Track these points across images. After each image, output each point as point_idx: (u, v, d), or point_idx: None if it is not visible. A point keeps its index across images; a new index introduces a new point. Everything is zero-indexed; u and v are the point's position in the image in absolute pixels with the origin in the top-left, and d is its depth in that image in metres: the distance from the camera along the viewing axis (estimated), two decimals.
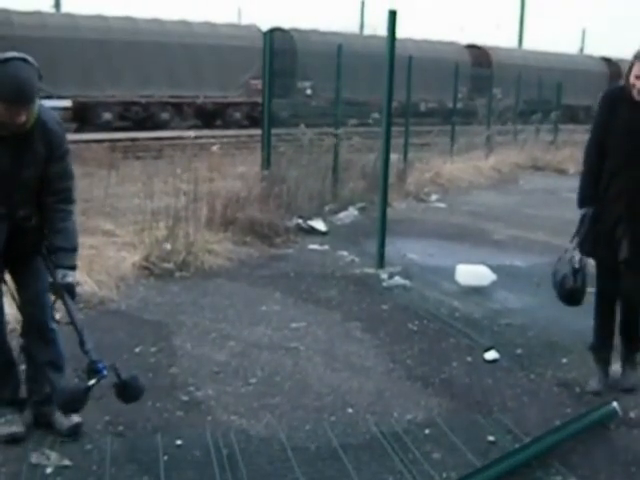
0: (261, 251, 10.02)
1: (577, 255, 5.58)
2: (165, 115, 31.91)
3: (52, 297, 4.65)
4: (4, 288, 4.76)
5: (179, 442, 4.77)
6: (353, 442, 4.88)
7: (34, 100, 4.24)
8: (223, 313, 7.39)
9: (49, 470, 4.39)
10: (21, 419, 4.81)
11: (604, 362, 5.87)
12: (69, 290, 4.56)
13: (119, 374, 4.52)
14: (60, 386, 4.64)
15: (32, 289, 4.76)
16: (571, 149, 22.96)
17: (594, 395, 5.65)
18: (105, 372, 4.44)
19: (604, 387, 5.73)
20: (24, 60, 4.20)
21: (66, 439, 4.73)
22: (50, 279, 4.61)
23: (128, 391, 4.59)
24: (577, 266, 5.56)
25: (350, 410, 5.35)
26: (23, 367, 4.95)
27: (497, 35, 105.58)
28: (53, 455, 4.53)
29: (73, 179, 4.72)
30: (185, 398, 5.44)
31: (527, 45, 58.44)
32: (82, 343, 4.47)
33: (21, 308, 4.87)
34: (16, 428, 4.72)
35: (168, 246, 8.89)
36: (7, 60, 4.15)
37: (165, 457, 4.59)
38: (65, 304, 4.56)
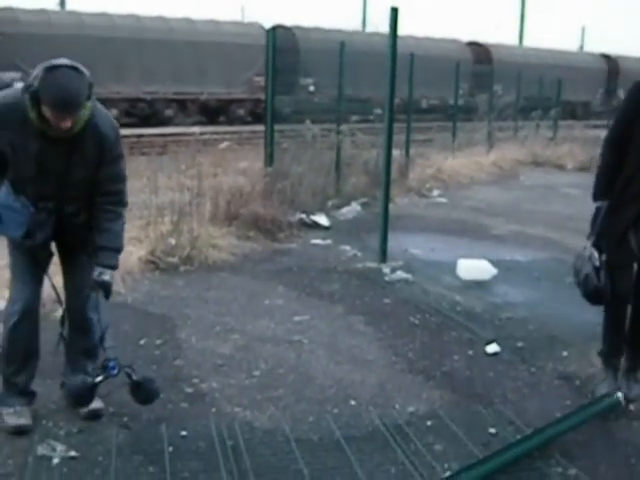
0: (264, 246, 10.02)
1: (596, 252, 5.30)
2: (169, 112, 31.93)
3: (87, 292, 4.74)
4: (45, 278, 4.87)
5: (184, 433, 4.78)
6: (356, 434, 4.88)
7: (79, 108, 4.27)
8: (227, 307, 7.39)
9: (55, 461, 4.39)
10: (29, 411, 4.82)
11: (614, 368, 5.62)
12: (104, 288, 4.64)
13: (131, 374, 4.62)
14: (68, 381, 4.68)
15: (76, 281, 4.89)
16: (570, 145, 22.99)
17: None
18: (114, 372, 4.57)
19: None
20: (74, 68, 4.24)
21: (75, 429, 4.75)
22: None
23: (141, 392, 4.71)
24: (598, 264, 5.27)
25: (353, 402, 5.35)
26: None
27: (498, 33, 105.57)
28: (59, 447, 4.53)
29: (125, 182, 4.78)
30: (189, 390, 5.45)
31: (527, 42, 58.42)
32: (102, 340, 4.63)
33: (65, 298, 4.99)
34: (24, 420, 4.74)
35: (173, 241, 8.90)
36: (57, 67, 4.19)
37: (170, 448, 4.59)
38: (97, 300, 4.67)
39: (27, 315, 4.73)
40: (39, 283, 4.84)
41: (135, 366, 4.79)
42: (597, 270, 5.27)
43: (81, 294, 4.85)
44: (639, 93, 5.28)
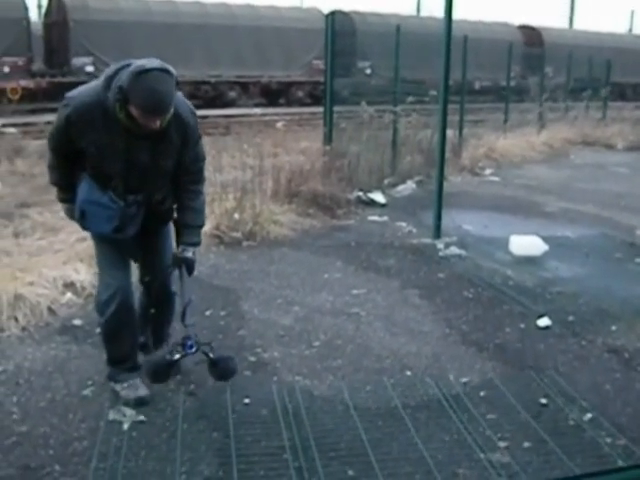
0: (323, 222, 10.01)
1: None
2: (232, 94, 32.00)
3: (171, 268, 4.76)
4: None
5: (247, 401, 4.80)
6: (412, 402, 4.86)
7: (169, 110, 4.16)
8: (288, 280, 7.40)
9: (126, 426, 4.44)
10: (143, 383, 4.80)
11: None
12: (187, 264, 4.67)
13: (208, 353, 4.61)
14: (146, 358, 4.69)
15: (159, 257, 4.88)
16: (620, 125, 22.64)
17: None
18: (192, 350, 4.53)
19: None
20: (165, 71, 4.09)
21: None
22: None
23: (217, 370, 4.68)
24: None
25: (409, 372, 5.34)
26: None
27: (549, 15, 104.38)
28: (129, 412, 4.57)
29: (205, 160, 4.78)
30: (252, 359, 5.47)
31: (577, 25, 57.60)
32: (183, 316, 4.60)
33: (143, 274, 4.99)
34: (142, 392, 4.74)
35: (236, 216, 8.92)
36: (148, 70, 4.02)
37: (234, 414, 4.61)
38: (180, 276, 4.69)
39: (125, 300, 4.66)
40: (129, 267, 4.79)
41: (213, 343, 4.79)
42: None
43: (162, 271, 4.85)
44: None
